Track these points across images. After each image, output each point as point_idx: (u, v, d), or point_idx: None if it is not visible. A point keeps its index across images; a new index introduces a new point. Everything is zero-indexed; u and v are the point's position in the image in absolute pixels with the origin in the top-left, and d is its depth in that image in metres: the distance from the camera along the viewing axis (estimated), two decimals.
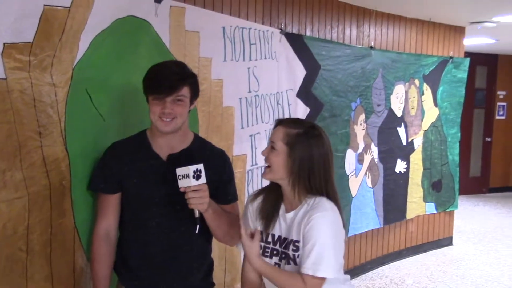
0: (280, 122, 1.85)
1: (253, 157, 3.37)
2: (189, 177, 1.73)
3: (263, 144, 3.46)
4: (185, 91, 1.86)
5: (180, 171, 1.75)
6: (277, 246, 1.85)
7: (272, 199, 1.88)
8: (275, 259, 1.84)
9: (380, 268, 5.06)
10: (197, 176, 1.74)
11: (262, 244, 1.88)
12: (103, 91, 2.08)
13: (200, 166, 1.75)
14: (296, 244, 1.78)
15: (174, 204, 1.88)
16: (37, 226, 1.82)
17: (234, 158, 3.12)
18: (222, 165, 2.03)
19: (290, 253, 1.79)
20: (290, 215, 1.83)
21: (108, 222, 1.94)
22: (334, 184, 1.84)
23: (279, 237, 1.85)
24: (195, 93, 1.93)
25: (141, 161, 1.92)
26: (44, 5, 1.75)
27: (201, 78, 2.79)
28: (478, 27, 5.46)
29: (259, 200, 1.94)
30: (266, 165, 1.83)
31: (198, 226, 1.83)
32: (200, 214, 1.82)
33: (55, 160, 1.87)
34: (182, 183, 1.76)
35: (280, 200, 1.87)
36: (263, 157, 1.85)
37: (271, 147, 1.81)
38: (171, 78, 1.83)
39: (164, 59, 2.15)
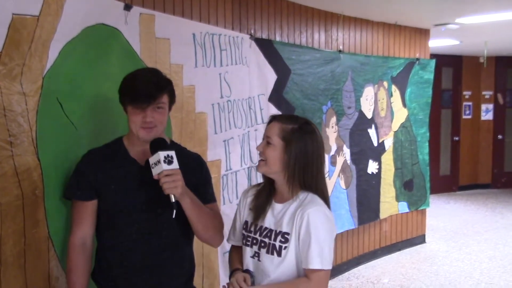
0: (275, 118, 1.89)
1: (227, 162, 3.39)
2: (160, 163, 1.73)
3: (237, 149, 3.48)
4: (165, 99, 1.88)
5: (152, 159, 1.76)
6: (257, 236, 1.87)
7: (264, 194, 1.92)
8: (254, 248, 1.88)
9: (356, 268, 5.12)
10: (168, 161, 1.74)
11: (245, 233, 1.92)
12: (74, 99, 2.08)
13: (172, 153, 1.76)
14: (286, 236, 1.80)
15: (154, 208, 1.87)
16: (10, 237, 1.80)
17: (208, 164, 3.10)
18: (199, 167, 2.05)
19: (277, 244, 1.81)
20: (279, 206, 1.87)
21: (84, 231, 1.91)
22: (325, 180, 1.89)
23: (262, 227, 1.88)
24: (172, 99, 1.95)
25: (118, 167, 1.92)
26: (13, 14, 1.74)
27: (173, 85, 2.79)
28: (442, 29, 5.60)
29: (252, 193, 1.98)
30: (261, 158, 1.86)
31: (174, 211, 1.80)
32: (178, 204, 1.80)
33: (27, 170, 1.85)
34: (155, 171, 1.76)
35: (273, 195, 1.91)
36: (258, 152, 1.88)
37: (267, 142, 1.84)
38: (150, 87, 1.83)
39: (135, 66, 2.15)
